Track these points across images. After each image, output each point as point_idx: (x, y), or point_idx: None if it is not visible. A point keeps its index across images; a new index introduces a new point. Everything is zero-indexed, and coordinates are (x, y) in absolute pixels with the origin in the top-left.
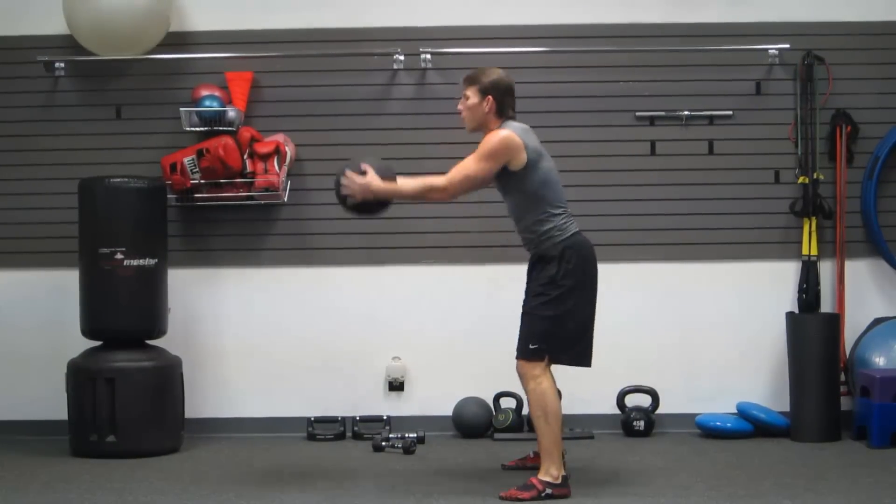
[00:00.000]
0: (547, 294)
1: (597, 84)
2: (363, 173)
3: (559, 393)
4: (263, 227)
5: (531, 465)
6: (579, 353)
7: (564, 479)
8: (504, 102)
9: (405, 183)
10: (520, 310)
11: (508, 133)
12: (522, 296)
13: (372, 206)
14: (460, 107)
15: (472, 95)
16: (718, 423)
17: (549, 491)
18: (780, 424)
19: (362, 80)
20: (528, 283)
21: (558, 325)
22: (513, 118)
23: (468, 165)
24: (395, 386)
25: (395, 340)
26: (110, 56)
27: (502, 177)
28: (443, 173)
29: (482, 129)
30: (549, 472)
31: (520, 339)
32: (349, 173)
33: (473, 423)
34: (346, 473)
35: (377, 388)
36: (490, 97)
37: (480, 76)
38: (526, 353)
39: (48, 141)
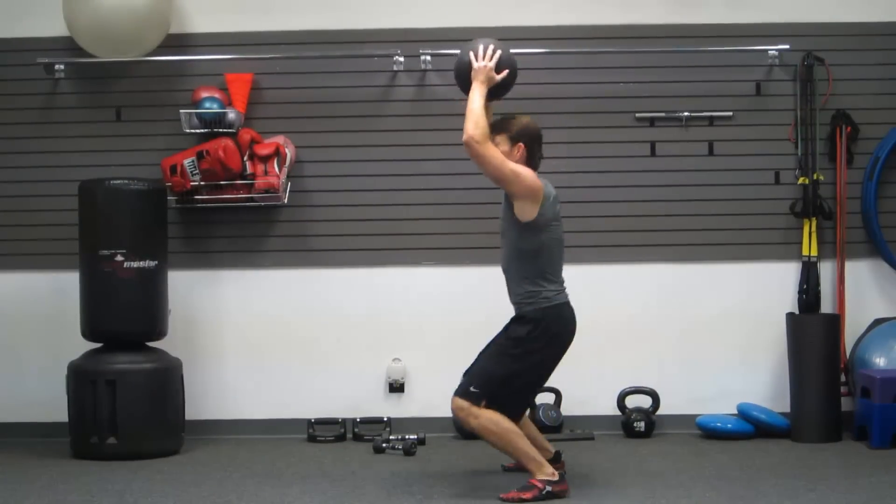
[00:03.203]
0: (510, 351)
1: (597, 85)
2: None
3: (558, 393)
4: (263, 228)
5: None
6: (514, 407)
7: (562, 475)
8: (533, 150)
9: (477, 101)
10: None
11: (542, 184)
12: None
13: (466, 81)
14: None
15: (502, 143)
16: (719, 424)
17: (549, 489)
18: (781, 425)
19: (362, 81)
20: (502, 330)
21: (508, 381)
22: (537, 167)
23: (502, 159)
24: (396, 387)
25: (396, 342)
26: (110, 58)
27: (507, 216)
28: (443, 174)
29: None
30: (544, 472)
31: (465, 376)
32: (489, 51)
33: None
34: (346, 475)
35: (378, 390)
36: (521, 145)
37: (510, 124)
38: (466, 392)
39: (48, 143)
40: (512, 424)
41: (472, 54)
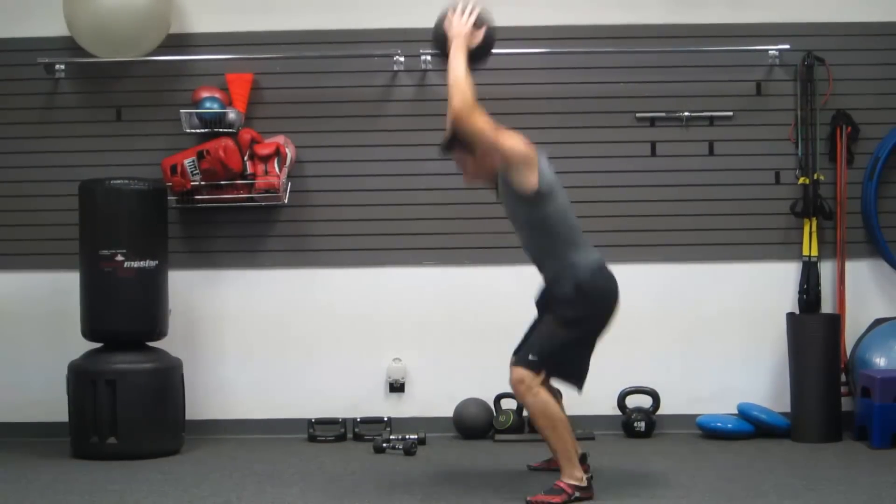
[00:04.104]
0: (563, 324)
1: (597, 85)
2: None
3: (559, 393)
4: (264, 228)
5: (556, 467)
6: (576, 377)
7: (589, 480)
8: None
9: (460, 66)
10: (521, 310)
11: (529, 146)
12: (522, 297)
13: (444, 44)
14: (466, 177)
15: (467, 155)
16: (719, 424)
17: (577, 494)
18: (781, 425)
19: (362, 81)
20: (539, 307)
21: (565, 349)
22: None
23: (493, 129)
24: (396, 387)
25: (396, 342)
26: (111, 58)
27: (511, 196)
28: (443, 174)
29: (492, 173)
30: (574, 476)
31: (523, 345)
32: (460, 10)
33: (474, 424)
34: (346, 475)
35: (378, 390)
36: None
37: (456, 136)
38: (525, 361)
39: (49, 143)
40: (564, 414)
41: (448, 14)
